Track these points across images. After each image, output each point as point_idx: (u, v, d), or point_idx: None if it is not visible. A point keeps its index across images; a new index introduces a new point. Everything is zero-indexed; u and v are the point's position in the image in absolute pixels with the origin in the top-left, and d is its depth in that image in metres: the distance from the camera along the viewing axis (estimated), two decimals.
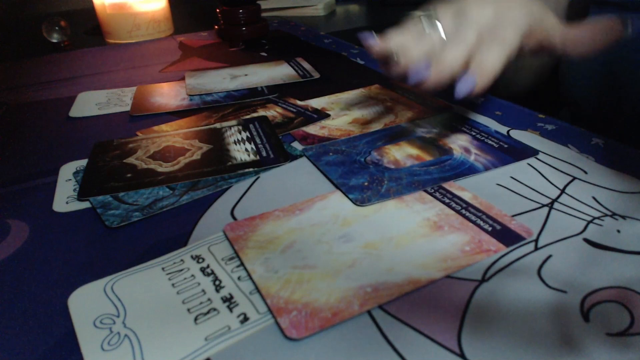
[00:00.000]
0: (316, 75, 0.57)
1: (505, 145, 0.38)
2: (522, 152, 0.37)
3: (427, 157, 0.37)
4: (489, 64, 0.32)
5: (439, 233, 0.28)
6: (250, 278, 0.26)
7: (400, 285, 0.25)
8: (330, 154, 0.38)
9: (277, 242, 0.28)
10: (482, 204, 0.31)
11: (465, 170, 0.35)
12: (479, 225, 0.29)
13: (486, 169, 0.35)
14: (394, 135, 0.40)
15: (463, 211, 0.30)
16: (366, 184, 0.33)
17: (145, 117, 0.48)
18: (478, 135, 0.40)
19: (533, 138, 0.39)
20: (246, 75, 0.58)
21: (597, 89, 0.48)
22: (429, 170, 0.35)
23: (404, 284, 0.25)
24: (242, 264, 0.27)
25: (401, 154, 0.37)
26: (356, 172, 0.35)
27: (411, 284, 0.25)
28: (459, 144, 0.38)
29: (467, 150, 0.37)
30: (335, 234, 0.29)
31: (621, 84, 0.46)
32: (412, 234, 0.28)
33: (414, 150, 0.38)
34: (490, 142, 0.38)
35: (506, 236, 0.28)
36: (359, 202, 0.31)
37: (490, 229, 0.28)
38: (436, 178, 0.34)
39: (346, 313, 0.23)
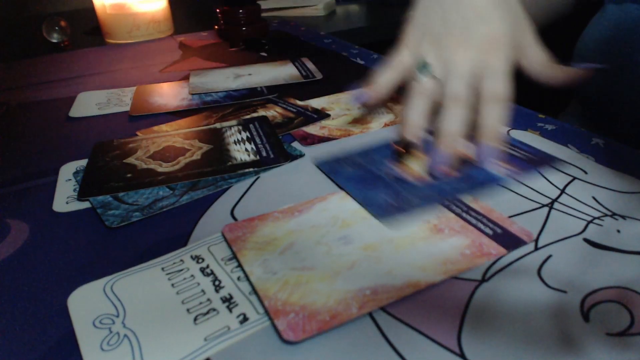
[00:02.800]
0: (319, 75, 0.57)
1: (528, 155, 0.36)
2: (542, 160, 0.35)
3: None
4: (494, 128, 0.33)
5: (439, 236, 0.28)
6: (248, 279, 0.26)
7: (399, 288, 0.24)
8: (348, 168, 0.36)
9: (276, 243, 0.28)
10: (483, 208, 0.31)
11: (489, 182, 0.33)
12: (479, 229, 0.29)
13: (512, 179, 0.33)
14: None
15: (463, 214, 0.30)
16: (395, 204, 0.31)
17: (145, 117, 0.48)
18: None
19: (533, 138, 0.39)
20: (249, 74, 0.57)
21: (608, 83, 0.49)
22: (455, 185, 0.33)
23: (404, 286, 0.25)
24: (240, 265, 0.27)
25: (421, 166, 0.35)
26: (380, 190, 0.33)
27: (410, 286, 0.25)
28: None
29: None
30: (335, 235, 0.29)
31: (628, 80, 0.46)
32: (412, 236, 0.28)
33: None
34: (512, 152, 0.37)
35: (507, 240, 0.28)
36: (392, 226, 0.29)
37: (491, 232, 0.28)
38: (459, 188, 0.32)
39: (344, 316, 0.23)
